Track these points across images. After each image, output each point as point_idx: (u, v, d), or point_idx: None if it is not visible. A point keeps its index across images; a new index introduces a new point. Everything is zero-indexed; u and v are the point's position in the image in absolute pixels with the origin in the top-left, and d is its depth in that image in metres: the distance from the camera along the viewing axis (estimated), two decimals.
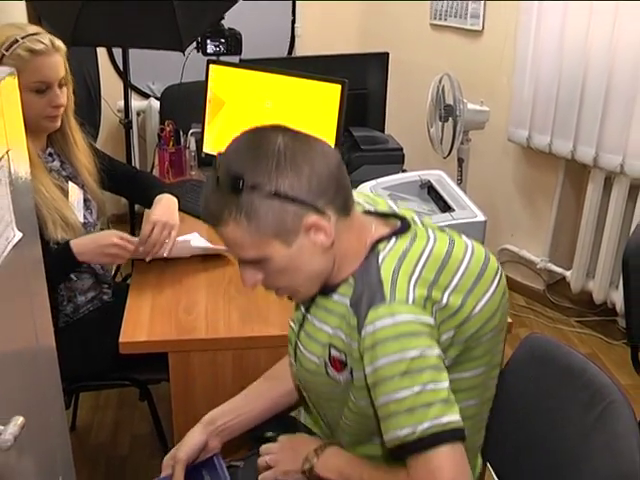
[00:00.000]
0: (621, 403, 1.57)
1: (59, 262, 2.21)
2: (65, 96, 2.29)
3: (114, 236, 2.21)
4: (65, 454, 1.83)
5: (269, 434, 1.74)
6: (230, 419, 1.73)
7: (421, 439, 1.31)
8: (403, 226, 1.51)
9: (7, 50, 2.13)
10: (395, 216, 1.57)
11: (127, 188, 2.68)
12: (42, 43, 2.18)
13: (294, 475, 1.59)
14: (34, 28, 2.23)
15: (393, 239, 1.47)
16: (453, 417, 1.33)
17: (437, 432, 1.31)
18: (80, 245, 2.21)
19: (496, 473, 1.91)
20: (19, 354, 1.54)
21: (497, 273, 1.54)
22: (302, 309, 1.60)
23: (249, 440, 1.81)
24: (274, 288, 1.51)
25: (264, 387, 1.80)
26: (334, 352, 1.47)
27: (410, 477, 1.35)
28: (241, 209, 1.34)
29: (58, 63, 2.24)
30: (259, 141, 1.38)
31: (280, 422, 1.80)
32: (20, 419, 1.28)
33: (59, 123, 2.30)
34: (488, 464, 2.02)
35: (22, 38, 2.15)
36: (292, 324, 1.66)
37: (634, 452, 1.46)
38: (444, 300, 1.39)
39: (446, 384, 1.35)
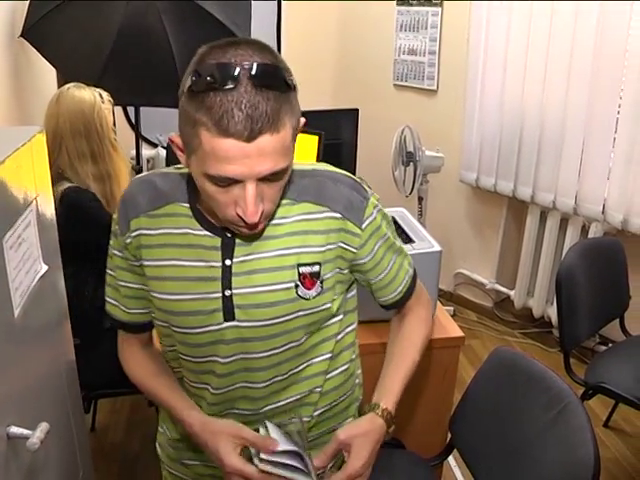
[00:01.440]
0: (576, 404, 1.60)
1: None
2: None
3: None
4: (85, 453, 1.81)
5: None
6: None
7: (414, 270, 1.48)
8: None
9: (102, 99, 2.39)
10: None
11: None
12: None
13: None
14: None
15: None
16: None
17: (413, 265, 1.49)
18: None
19: (465, 460, 1.92)
20: (45, 369, 1.53)
21: None
22: (223, 260, 1.27)
23: None
24: (268, 214, 1.20)
25: (169, 380, 1.43)
26: (304, 269, 1.28)
27: (418, 300, 1.49)
28: (292, 107, 1.12)
29: None
30: (261, 43, 1.12)
31: None
32: (45, 425, 1.28)
33: None
34: (458, 453, 2.02)
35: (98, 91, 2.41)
36: (201, 295, 1.29)
37: (588, 444, 1.49)
38: None
39: None
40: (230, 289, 1.27)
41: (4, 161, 1.24)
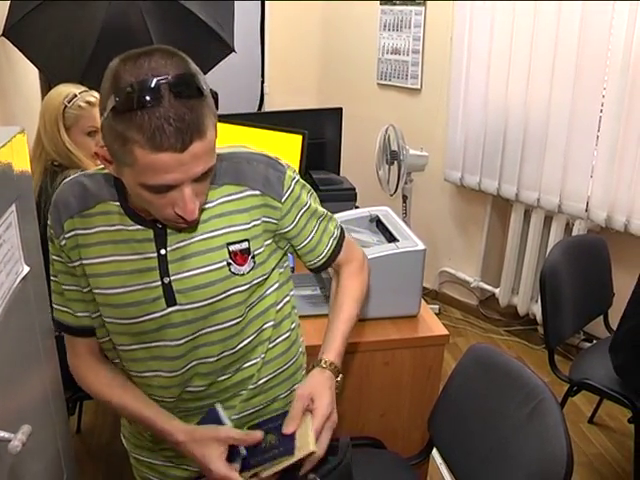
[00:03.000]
0: (550, 400, 1.61)
1: None
2: None
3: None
4: (69, 455, 1.80)
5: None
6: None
7: (341, 230, 1.57)
8: None
9: (69, 102, 2.34)
10: None
11: None
12: (93, 97, 2.37)
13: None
14: (81, 87, 2.41)
15: None
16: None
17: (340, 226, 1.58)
18: None
19: (444, 458, 1.93)
20: (27, 371, 1.52)
21: None
22: (158, 250, 1.32)
23: None
24: (201, 207, 1.26)
25: (137, 391, 1.44)
26: (233, 247, 1.35)
27: (348, 256, 1.57)
28: (211, 108, 1.16)
29: None
30: (172, 51, 1.15)
31: None
32: (27, 427, 1.26)
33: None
34: (432, 453, 2.02)
35: (79, 93, 2.36)
36: (141, 286, 1.33)
37: (561, 439, 1.50)
38: None
39: None
40: (168, 276, 1.33)
41: None
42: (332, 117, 3.17)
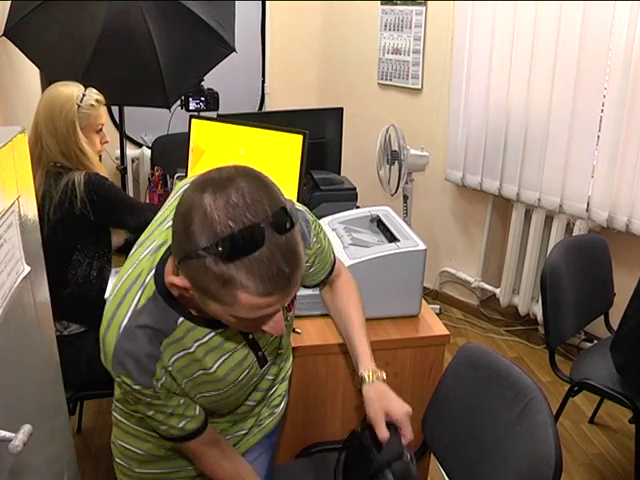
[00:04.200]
0: (540, 400, 1.60)
1: None
2: None
3: None
4: (70, 455, 1.80)
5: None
6: None
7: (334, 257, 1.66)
8: None
9: (81, 102, 2.34)
10: None
11: None
12: (100, 95, 2.42)
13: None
14: (78, 84, 2.41)
15: None
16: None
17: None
18: None
19: (438, 460, 1.92)
20: (28, 370, 1.52)
21: None
22: (256, 353, 1.45)
23: None
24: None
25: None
26: None
27: (339, 272, 1.68)
28: (301, 232, 1.15)
29: None
30: (254, 175, 1.10)
31: None
32: (28, 427, 1.26)
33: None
34: (432, 453, 2.02)
35: (85, 92, 2.38)
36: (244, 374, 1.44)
37: (550, 439, 1.49)
38: None
39: None
40: (260, 350, 1.46)
41: None
42: (333, 117, 3.17)
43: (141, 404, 1.34)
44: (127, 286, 1.28)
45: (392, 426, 1.48)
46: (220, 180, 1.06)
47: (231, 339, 1.36)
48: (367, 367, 1.55)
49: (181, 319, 1.28)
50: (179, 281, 1.12)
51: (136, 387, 1.27)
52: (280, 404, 1.73)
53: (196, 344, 1.31)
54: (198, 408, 1.42)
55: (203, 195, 1.05)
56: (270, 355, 1.51)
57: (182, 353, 1.30)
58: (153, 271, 1.26)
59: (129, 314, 1.25)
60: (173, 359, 1.30)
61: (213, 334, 1.32)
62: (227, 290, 1.05)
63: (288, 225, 1.06)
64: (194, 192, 1.06)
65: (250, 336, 1.40)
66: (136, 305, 1.26)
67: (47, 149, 2.33)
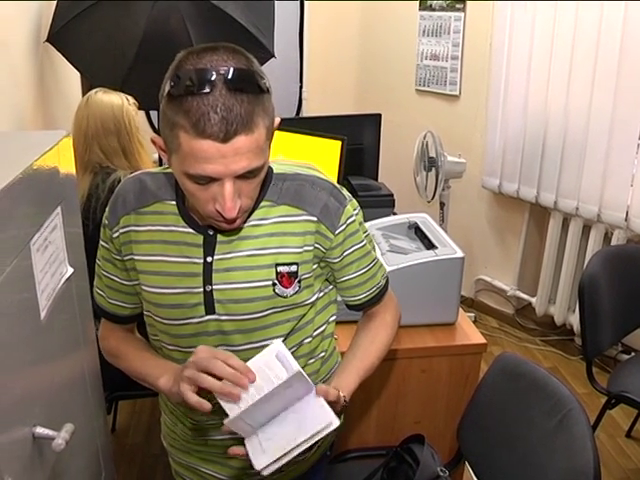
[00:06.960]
0: (578, 411, 1.58)
1: None
2: None
3: None
4: (107, 454, 1.82)
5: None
6: None
7: (386, 281, 1.55)
8: None
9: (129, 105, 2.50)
10: None
11: None
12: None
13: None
14: (110, 90, 2.54)
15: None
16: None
17: (386, 276, 1.56)
18: None
19: (473, 470, 1.91)
20: (70, 371, 1.54)
21: None
22: (205, 257, 1.34)
23: None
24: (245, 209, 1.26)
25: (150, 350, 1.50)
26: (281, 268, 1.34)
27: (386, 307, 1.55)
28: (265, 108, 1.16)
29: None
30: (236, 48, 1.18)
31: None
32: (70, 426, 1.29)
33: None
34: (466, 462, 2.01)
35: (126, 97, 2.52)
36: (184, 290, 1.36)
37: (588, 452, 1.48)
38: None
39: None
40: (211, 284, 1.34)
41: (32, 164, 1.26)
42: (371, 123, 3.18)
43: (99, 249, 1.46)
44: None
45: (427, 445, 1.47)
46: (205, 45, 1.16)
47: (190, 249, 1.34)
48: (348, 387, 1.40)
49: (173, 202, 1.36)
50: (157, 138, 1.23)
51: (105, 222, 1.42)
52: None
53: (152, 227, 1.37)
54: (118, 301, 1.48)
55: (185, 53, 1.17)
56: (224, 309, 1.35)
57: (148, 228, 1.37)
58: None
59: (146, 171, 1.43)
60: (140, 228, 1.38)
61: (177, 229, 1.36)
62: (173, 133, 1.13)
63: (245, 87, 1.12)
64: (181, 53, 1.18)
65: (209, 258, 1.33)
66: (155, 170, 1.42)
67: (100, 153, 2.44)
